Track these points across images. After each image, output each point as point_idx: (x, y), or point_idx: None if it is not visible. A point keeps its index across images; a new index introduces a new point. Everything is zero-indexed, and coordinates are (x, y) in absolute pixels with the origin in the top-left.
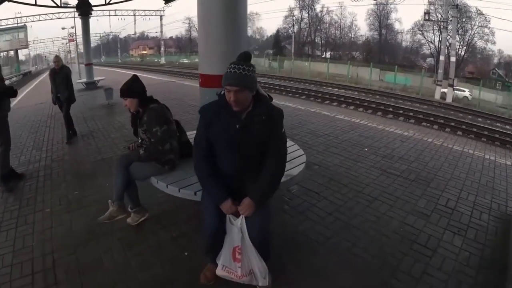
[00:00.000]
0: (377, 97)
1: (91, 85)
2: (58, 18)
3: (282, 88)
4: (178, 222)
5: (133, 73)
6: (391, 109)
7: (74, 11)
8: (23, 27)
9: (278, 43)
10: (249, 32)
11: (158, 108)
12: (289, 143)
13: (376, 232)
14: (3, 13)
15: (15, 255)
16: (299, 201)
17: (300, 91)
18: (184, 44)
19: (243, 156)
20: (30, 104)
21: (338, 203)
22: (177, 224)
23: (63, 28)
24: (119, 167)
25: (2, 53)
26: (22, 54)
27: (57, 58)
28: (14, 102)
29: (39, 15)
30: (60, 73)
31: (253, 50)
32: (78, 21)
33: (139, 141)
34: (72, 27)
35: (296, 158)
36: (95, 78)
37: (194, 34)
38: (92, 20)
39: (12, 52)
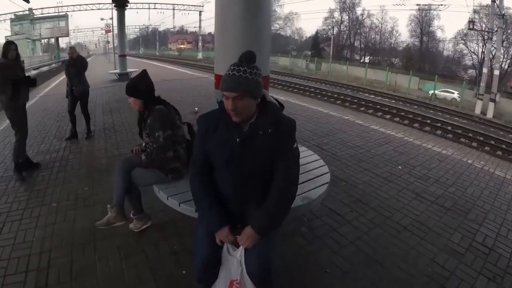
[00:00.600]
0: (415, 107)
1: (124, 77)
2: (98, 9)
3: (318, 91)
4: (182, 233)
5: (169, 67)
6: (428, 121)
7: (111, 3)
8: (64, 16)
9: (316, 45)
10: (288, 32)
11: (163, 111)
12: (313, 157)
13: (400, 270)
14: (45, 1)
15: (15, 248)
16: (319, 223)
17: (335, 96)
18: None
19: (244, 175)
20: (62, 92)
21: (362, 229)
22: (181, 236)
23: (102, 19)
24: (120, 171)
25: (43, 40)
26: (63, 42)
27: (71, 50)
28: (46, 89)
29: (80, 5)
30: (74, 65)
31: (291, 51)
32: (116, 13)
33: (143, 144)
34: (110, 18)
35: (319, 177)
36: (129, 70)
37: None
38: (132, 12)
39: (53, 40)
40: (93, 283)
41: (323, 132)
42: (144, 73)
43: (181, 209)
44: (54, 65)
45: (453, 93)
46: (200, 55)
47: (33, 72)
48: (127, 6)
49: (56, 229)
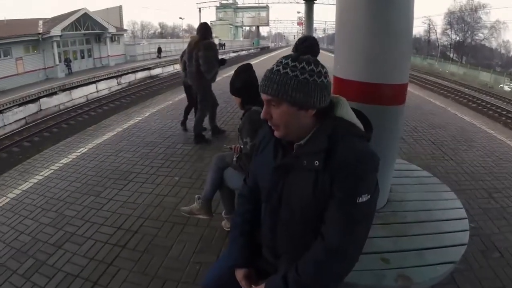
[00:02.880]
0: None
1: None
2: (297, 3)
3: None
4: None
5: None
6: None
7: None
8: (265, 7)
9: None
10: (493, 44)
11: (256, 115)
12: (458, 212)
13: None
14: None
15: (122, 206)
16: None
17: None
18: (422, 46)
19: (283, 218)
20: None
21: None
22: None
23: (298, 12)
24: (213, 167)
25: (245, 28)
26: (264, 31)
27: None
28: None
29: None
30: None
31: (495, 66)
32: (305, 6)
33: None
34: None
35: (447, 248)
36: None
37: (433, 37)
38: (331, 8)
39: (253, 28)
40: (157, 262)
41: (502, 172)
42: (240, 69)
43: None
44: (252, 50)
45: None
46: None
47: (232, 55)
48: (315, 0)
49: (163, 201)
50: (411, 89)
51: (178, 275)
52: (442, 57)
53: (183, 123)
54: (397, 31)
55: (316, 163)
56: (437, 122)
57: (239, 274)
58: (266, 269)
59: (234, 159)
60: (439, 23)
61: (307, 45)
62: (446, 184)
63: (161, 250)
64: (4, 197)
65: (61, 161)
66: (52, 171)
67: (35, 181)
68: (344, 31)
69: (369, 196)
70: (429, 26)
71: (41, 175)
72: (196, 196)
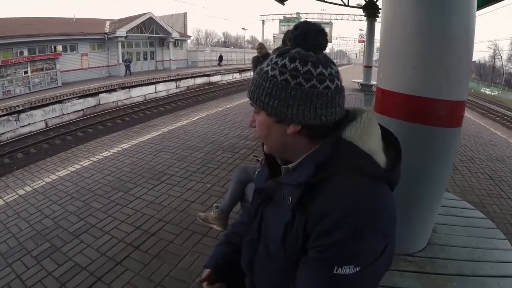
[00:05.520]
0: None
1: (365, 88)
2: (360, 20)
3: None
4: None
5: None
6: None
7: (362, 13)
8: (329, 23)
9: None
10: None
11: None
12: (509, 268)
13: None
14: (311, 8)
15: (148, 206)
16: None
17: None
18: (486, 72)
19: (258, 252)
20: None
21: None
22: None
23: (360, 30)
24: (235, 178)
25: None
26: (327, 48)
27: (259, 45)
28: None
29: (342, 14)
30: (261, 62)
31: None
32: (367, 23)
33: None
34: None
35: None
36: (372, 82)
37: (498, 63)
38: None
39: None
40: (165, 270)
41: None
42: None
43: None
44: None
45: None
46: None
47: None
48: (378, 17)
49: (189, 207)
50: (471, 116)
51: (182, 287)
52: (506, 85)
53: None
54: (453, 32)
55: (289, 199)
56: (496, 154)
57: (205, 274)
58: None
59: (256, 172)
60: (505, 48)
61: (298, 34)
62: (500, 230)
63: (172, 258)
64: (41, 181)
65: (101, 154)
66: (91, 162)
67: (73, 169)
68: (389, 28)
69: (357, 269)
70: (495, 51)
71: (80, 165)
72: (214, 204)
